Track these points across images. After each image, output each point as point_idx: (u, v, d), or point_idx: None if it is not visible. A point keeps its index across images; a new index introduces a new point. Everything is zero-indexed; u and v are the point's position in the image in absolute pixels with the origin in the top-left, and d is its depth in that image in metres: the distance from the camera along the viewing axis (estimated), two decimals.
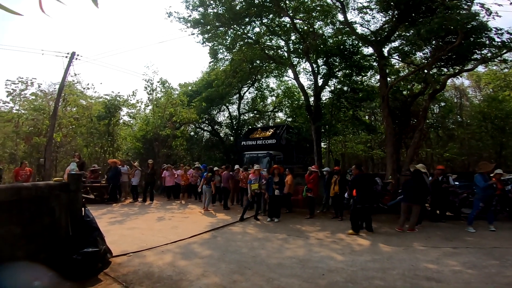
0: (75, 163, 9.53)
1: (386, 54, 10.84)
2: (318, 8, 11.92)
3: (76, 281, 3.41)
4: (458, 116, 19.41)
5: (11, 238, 3.21)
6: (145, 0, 57.79)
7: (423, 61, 11.03)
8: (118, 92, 16.20)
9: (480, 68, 15.64)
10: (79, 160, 9.87)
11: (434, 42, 9.49)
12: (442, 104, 17.23)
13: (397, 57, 11.35)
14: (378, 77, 12.99)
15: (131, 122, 18.12)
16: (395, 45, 10.76)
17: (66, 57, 13.08)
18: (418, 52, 10.79)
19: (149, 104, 16.69)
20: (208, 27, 12.27)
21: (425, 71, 10.11)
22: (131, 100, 16.71)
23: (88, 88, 17.43)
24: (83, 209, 3.99)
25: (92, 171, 11.27)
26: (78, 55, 13.22)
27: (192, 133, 21.06)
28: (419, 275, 3.82)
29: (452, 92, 19.79)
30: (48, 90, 17.08)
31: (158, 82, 16.15)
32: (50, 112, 14.15)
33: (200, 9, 12.18)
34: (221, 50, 14.82)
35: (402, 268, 4.10)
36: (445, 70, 10.57)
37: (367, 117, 20.00)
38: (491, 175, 6.74)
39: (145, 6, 61.53)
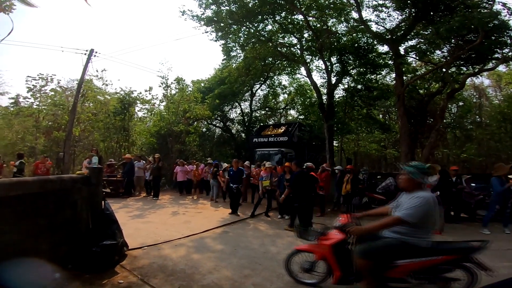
0: (97, 157, 9.91)
1: (402, 53, 10.64)
2: (332, 5, 11.78)
3: (94, 273, 3.50)
4: (477, 116, 18.81)
5: (36, 230, 3.30)
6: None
7: (441, 59, 10.76)
8: (131, 88, 16.62)
9: (501, 68, 15.06)
10: (96, 155, 10.20)
11: (453, 40, 9.25)
12: (461, 103, 16.75)
13: (414, 56, 11.11)
14: (393, 75, 12.77)
15: (146, 117, 18.54)
16: (412, 44, 10.54)
17: (85, 54, 13.49)
18: (437, 51, 10.54)
19: (164, 100, 17.02)
20: (221, 24, 12.36)
21: (444, 70, 9.88)
22: (146, 96, 17.12)
23: (107, 85, 17.91)
24: (103, 202, 4.15)
25: (109, 165, 11.61)
26: (96, 52, 13.62)
27: (204, 129, 21.32)
28: None
29: (471, 91, 19.17)
30: (67, 86, 17.66)
31: (174, 80, 16.43)
32: (69, 107, 14.64)
33: (213, 7, 12.26)
34: (234, 48, 14.90)
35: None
36: (464, 69, 10.30)
37: (381, 116, 19.67)
38: (510, 176, 6.58)
39: (160, 4, 62.33)
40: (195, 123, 17.34)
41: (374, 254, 2.88)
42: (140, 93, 17.09)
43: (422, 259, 2.79)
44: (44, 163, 10.02)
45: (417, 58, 11.42)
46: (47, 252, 3.37)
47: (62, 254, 3.53)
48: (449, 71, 9.94)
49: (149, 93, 17.34)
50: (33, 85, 15.82)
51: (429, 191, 3.02)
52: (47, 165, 10.09)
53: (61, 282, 3.22)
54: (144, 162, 11.86)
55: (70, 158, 14.50)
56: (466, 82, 12.17)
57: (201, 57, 55.62)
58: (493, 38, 8.28)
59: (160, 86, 16.27)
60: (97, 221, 3.98)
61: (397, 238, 2.82)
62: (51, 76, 16.20)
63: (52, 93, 16.69)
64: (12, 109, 17.26)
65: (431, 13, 9.15)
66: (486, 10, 7.88)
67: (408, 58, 11.72)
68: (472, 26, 7.65)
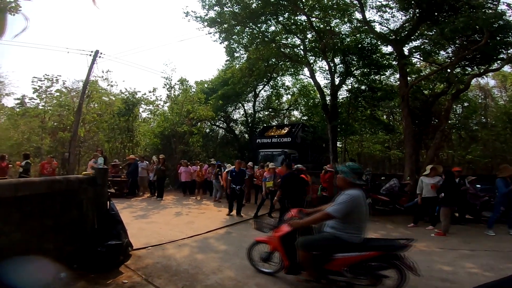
0: (102, 158, 10.00)
1: (406, 53, 10.60)
2: (335, 6, 11.77)
3: (99, 273, 3.53)
4: (482, 117, 18.62)
5: (43, 230, 3.34)
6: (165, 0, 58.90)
7: (446, 60, 10.70)
8: (134, 88, 16.74)
9: (506, 68, 14.91)
10: (101, 155, 10.29)
11: (458, 41, 9.20)
12: (466, 104, 16.60)
13: (418, 56, 11.06)
14: (397, 76, 12.72)
15: (150, 118, 18.64)
16: (416, 44, 10.50)
17: (90, 55, 13.64)
18: (441, 51, 10.49)
19: (168, 101, 17.11)
20: (225, 26, 12.41)
21: (448, 70, 9.82)
22: (150, 97, 17.22)
23: (112, 86, 18.04)
24: (108, 202, 4.19)
25: (113, 166, 11.70)
26: (101, 53, 13.76)
27: (208, 130, 21.39)
28: (434, 276, 3.80)
29: (476, 92, 18.99)
30: (72, 87, 17.81)
31: (178, 81, 16.52)
32: (75, 108, 14.78)
33: (216, 8, 12.33)
34: (237, 49, 14.95)
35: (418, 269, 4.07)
36: (469, 69, 10.23)
37: (385, 117, 19.57)
38: None
39: (164, 5, 62.68)
40: (199, 124, 17.42)
41: (311, 246, 3.19)
42: (144, 94, 17.23)
43: (354, 253, 3.05)
44: (50, 163, 10.13)
45: (422, 58, 11.35)
46: (53, 251, 3.40)
47: (68, 253, 3.56)
48: (454, 72, 9.88)
49: (153, 94, 17.46)
50: (39, 86, 15.97)
51: (361, 189, 3.21)
52: (53, 165, 10.19)
53: (67, 282, 3.24)
54: (147, 163, 11.94)
55: (75, 158, 14.63)
56: (471, 83, 12.08)
57: (204, 58, 55.85)
58: (498, 38, 8.23)
59: (164, 87, 16.40)
60: (103, 221, 4.02)
61: (332, 233, 3.13)
62: (56, 77, 16.36)
63: (58, 94, 16.85)
64: (18, 109, 17.44)
65: (435, 14, 9.10)
66: (490, 11, 7.85)
67: (412, 58, 11.66)
68: (477, 27, 7.63)
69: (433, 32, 9.20)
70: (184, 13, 12.61)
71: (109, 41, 62.74)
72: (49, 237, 3.42)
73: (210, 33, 12.99)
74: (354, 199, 3.02)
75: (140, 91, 16.93)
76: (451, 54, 10.31)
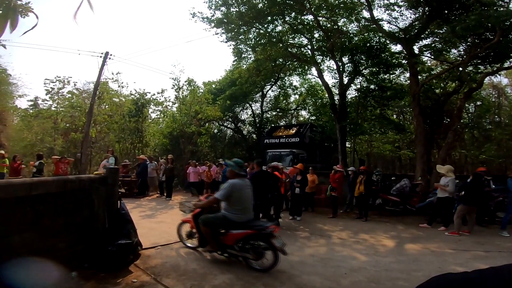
0: (113, 158, 10.17)
1: (417, 52, 10.42)
2: (342, 5, 11.65)
3: (109, 272, 3.56)
4: (496, 116, 18.12)
5: (55, 229, 3.39)
6: (172, 1, 59.50)
7: (457, 58, 10.48)
8: (144, 89, 16.93)
9: None
10: (112, 156, 10.46)
11: (469, 39, 9.00)
12: (479, 103, 16.19)
13: (429, 55, 10.87)
14: (407, 75, 12.51)
15: (159, 119, 18.84)
16: (426, 43, 10.32)
17: (100, 56, 13.87)
18: (453, 50, 10.28)
19: (176, 101, 17.27)
20: (232, 26, 12.44)
21: (460, 69, 9.62)
22: (159, 98, 17.42)
23: (123, 87, 18.32)
24: (118, 202, 4.25)
25: (123, 166, 11.88)
26: (111, 54, 13.98)
27: (216, 131, 21.48)
28: None
29: (489, 90, 18.50)
30: (83, 88, 18.18)
31: (185, 81, 16.66)
32: (86, 109, 15.06)
33: (223, 8, 12.37)
34: (244, 49, 14.97)
35: (429, 270, 4.01)
36: (482, 67, 9.99)
37: (395, 116, 19.27)
38: None
39: (171, 7, 63.33)
40: (207, 124, 17.51)
41: (208, 223, 4.01)
42: (154, 94, 17.43)
43: (238, 231, 3.88)
44: (64, 162, 10.38)
45: (432, 57, 11.14)
46: (64, 250, 3.45)
47: (79, 252, 3.61)
48: (466, 70, 9.69)
49: (162, 95, 17.65)
50: (51, 87, 16.35)
51: (243, 179, 4.07)
52: (66, 164, 10.43)
53: (78, 281, 3.29)
54: (156, 163, 12.06)
55: (87, 159, 14.91)
56: (484, 81, 11.79)
57: (212, 59, 56.19)
58: (511, 36, 8.03)
59: (172, 88, 16.55)
60: (113, 220, 4.07)
61: (223, 213, 4.01)
62: (67, 79, 16.72)
63: (69, 95, 17.22)
64: (31, 111, 17.91)
65: (446, 12, 8.94)
66: (502, 9, 7.66)
67: (423, 57, 11.46)
68: (489, 25, 7.45)
69: (444, 30, 9.01)
70: (191, 14, 12.70)
71: (118, 43, 63.84)
72: (61, 236, 3.47)
73: (217, 33, 13.06)
74: (233, 185, 3.87)
75: (149, 92, 17.12)
76: (462, 52, 10.11)
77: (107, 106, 17.56)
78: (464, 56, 9.67)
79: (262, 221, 4.32)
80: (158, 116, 19.02)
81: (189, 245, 4.72)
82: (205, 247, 4.27)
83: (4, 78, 14.31)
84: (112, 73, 21.53)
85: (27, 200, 3.11)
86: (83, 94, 17.80)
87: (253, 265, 3.91)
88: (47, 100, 16.87)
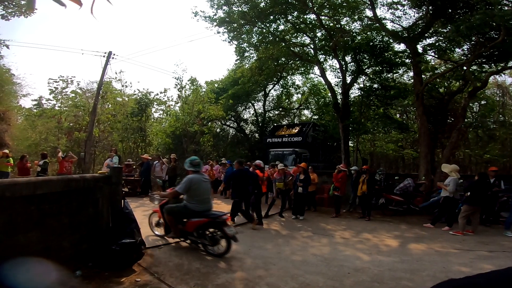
0: (117, 157, 10.22)
1: (420, 51, 10.36)
2: (345, 4, 11.59)
3: (113, 271, 3.56)
4: (500, 115, 17.97)
5: (60, 228, 3.40)
6: (174, 0, 59.59)
7: (462, 57, 10.41)
8: (148, 89, 16.98)
9: None
10: (115, 155, 10.50)
11: (474, 38, 8.93)
12: (483, 102, 16.06)
13: (433, 54, 10.80)
14: (411, 74, 12.44)
15: (162, 118, 18.90)
16: (430, 42, 10.26)
17: (104, 56, 13.94)
18: (457, 49, 10.21)
19: (178, 101, 17.31)
20: (234, 25, 12.43)
21: (464, 68, 9.55)
22: (162, 97, 17.47)
23: (126, 86, 18.38)
24: (122, 201, 4.26)
25: (127, 165, 11.91)
26: (114, 54, 14.04)
27: (218, 130, 21.51)
28: (451, 277, 3.69)
29: (494, 89, 18.33)
30: (86, 88, 18.27)
31: (188, 81, 16.69)
32: (90, 108, 15.14)
33: (225, 7, 12.35)
34: (247, 49, 14.95)
35: (433, 270, 3.99)
36: (487, 67, 9.91)
37: (398, 116, 19.15)
38: None
39: (173, 6, 63.42)
40: (209, 123, 17.53)
41: (171, 212, 4.57)
42: (157, 94, 17.50)
43: (196, 219, 4.42)
44: (68, 161, 10.43)
45: (436, 56, 11.07)
46: (69, 250, 3.46)
47: (83, 251, 3.62)
48: (471, 69, 9.62)
49: (164, 95, 17.70)
50: (54, 87, 16.44)
51: (199, 174, 4.66)
52: (70, 163, 10.48)
53: (82, 280, 3.29)
54: (157, 162, 12.08)
55: (91, 158, 14.99)
56: (489, 80, 11.70)
57: (214, 58, 56.21)
58: None
59: (175, 87, 16.59)
60: (117, 219, 4.07)
61: (184, 203, 4.57)
62: (71, 78, 16.81)
63: (73, 95, 17.31)
64: (35, 110, 18.03)
65: (450, 11, 8.88)
66: (507, 8, 7.59)
67: (427, 56, 11.38)
68: (493, 24, 7.39)
69: (448, 29, 8.95)
70: (193, 13, 12.71)
71: (121, 42, 64.02)
72: (66, 235, 3.47)
73: (219, 32, 13.06)
74: (190, 180, 4.47)
75: (153, 92, 17.20)
76: (467, 52, 10.03)
77: (110, 106, 17.64)
78: (469, 55, 9.60)
79: (218, 211, 4.74)
80: (161, 116, 19.10)
81: (157, 233, 5.18)
82: (169, 234, 4.78)
83: (8, 78, 14.38)
84: (116, 72, 21.63)
85: (32, 199, 3.12)
86: (86, 94, 17.89)
87: (209, 250, 4.42)
88: (51, 100, 16.99)
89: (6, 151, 9.90)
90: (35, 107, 18.78)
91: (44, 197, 3.24)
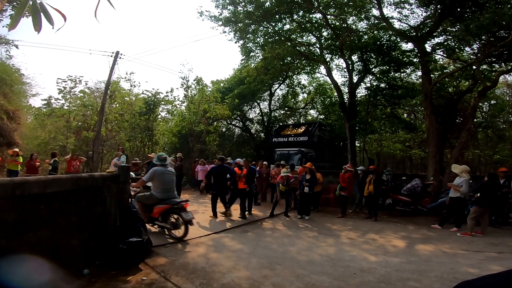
0: (125, 156, 10.34)
1: (429, 50, 10.22)
2: (351, 3, 11.47)
3: (120, 270, 3.60)
4: (510, 116, 17.62)
5: (68, 226, 3.45)
6: (180, 0, 59.90)
7: (471, 57, 10.23)
8: (158, 89, 17.11)
9: None
10: (122, 154, 10.62)
11: (483, 37, 8.77)
12: (493, 102, 15.77)
13: (441, 53, 10.64)
14: (419, 73, 12.26)
15: (169, 117, 19.04)
16: (439, 41, 10.10)
17: (111, 56, 14.10)
18: (466, 48, 10.04)
19: (185, 100, 17.40)
20: (239, 25, 12.43)
21: (474, 67, 9.38)
22: (169, 97, 17.60)
23: (135, 86, 18.55)
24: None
25: (134, 164, 12.02)
26: (121, 54, 14.19)
27: (224, 129, 21.56)
28: (459, 278, 3.64)
29: (504, 89, 17.98)
30: (94, 87, 18.50)
31: (194, 80, 16.77)
32: (98, 108, 15.33)
33: (230, 7, 12.37)
34: (252, 48, 14.94)
35: (441, 271, 3.94)
36: (497, 66, 9.73)
37: (405, 115, 18.92)
38: None
39: (179, 6, 63.78)
40: (215, 123, 17.59)
41: (140, 199, 5.19)
42: (166, 95, 17.64)
43: (160, 205, 5.09)
44: (75, 160, 10.59)
45: (445, 55, 10.90)
46: (77, 248, 3.51)
47: (91, 250, 3.67)
48: (480, 69, 9.45)
49: (171, 95, 17.83)
50: (63, 87, 16.69)
51: (163, 167, 5.32)
52: (78, 162, 10.63)
53: (89, 278, 3.34)
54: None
55: (99, 157, 15.18)
56: (499, 80, 11.49)
57: (220, 57, 56.33)
58: None
59: (181, 87, 16.68)
60: (124, 218, 4.12)
61: (151, 192, 5.26)
62: (79, 78, 17.04)
63: (81, 94, 17.54)
64: (45, 110, 18.32)
65: (458, 10, 8.73)
66: None
67: (435, 55, 11.22)
68: (503, 23, 7.25)
69: (457, 28, 8.80)
70: (199, 13, 12.76)
71: (128, 42, 64.62)
72: (74, 233, 3.52)
73: (225, 32, 13.09)
74: (154, 171, 5.17)
75: (162, 92, 17.37)
76: (476, 51, 9.85)
77: (118, 105, 17.83)
78: (478, 54, 9.42)
79: (178, 198, 5.34)
80: (167, 115, 19.24)
81: None
82: (151, 222, 5.38)
83: (18, 77, 14.66)
84: (126, 73, 21.84)
85: (41, 197, 3.17)
86: (94, 93, 18.12)
87: (172, 234, 5.09)
88: (60, 99, 17.25)
89: (17, 149, 10.10)
90: (44, 106, 19.08)
91: (54, 195, 3.29)
